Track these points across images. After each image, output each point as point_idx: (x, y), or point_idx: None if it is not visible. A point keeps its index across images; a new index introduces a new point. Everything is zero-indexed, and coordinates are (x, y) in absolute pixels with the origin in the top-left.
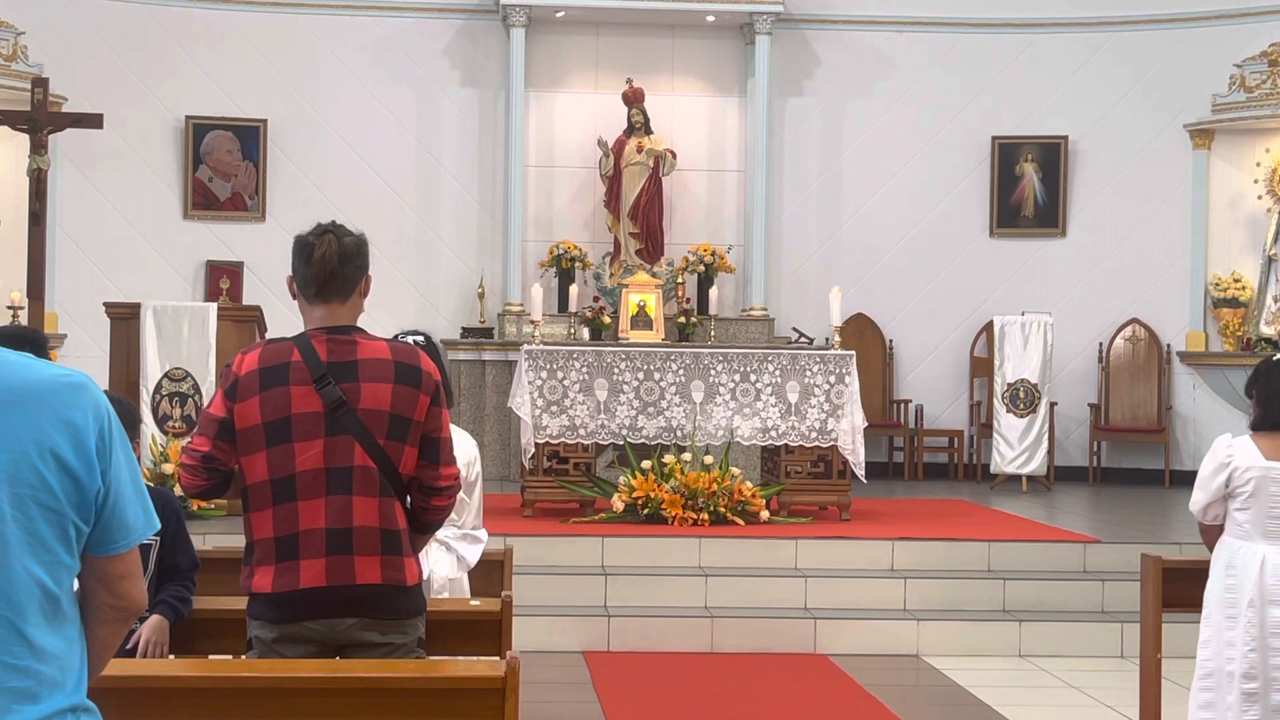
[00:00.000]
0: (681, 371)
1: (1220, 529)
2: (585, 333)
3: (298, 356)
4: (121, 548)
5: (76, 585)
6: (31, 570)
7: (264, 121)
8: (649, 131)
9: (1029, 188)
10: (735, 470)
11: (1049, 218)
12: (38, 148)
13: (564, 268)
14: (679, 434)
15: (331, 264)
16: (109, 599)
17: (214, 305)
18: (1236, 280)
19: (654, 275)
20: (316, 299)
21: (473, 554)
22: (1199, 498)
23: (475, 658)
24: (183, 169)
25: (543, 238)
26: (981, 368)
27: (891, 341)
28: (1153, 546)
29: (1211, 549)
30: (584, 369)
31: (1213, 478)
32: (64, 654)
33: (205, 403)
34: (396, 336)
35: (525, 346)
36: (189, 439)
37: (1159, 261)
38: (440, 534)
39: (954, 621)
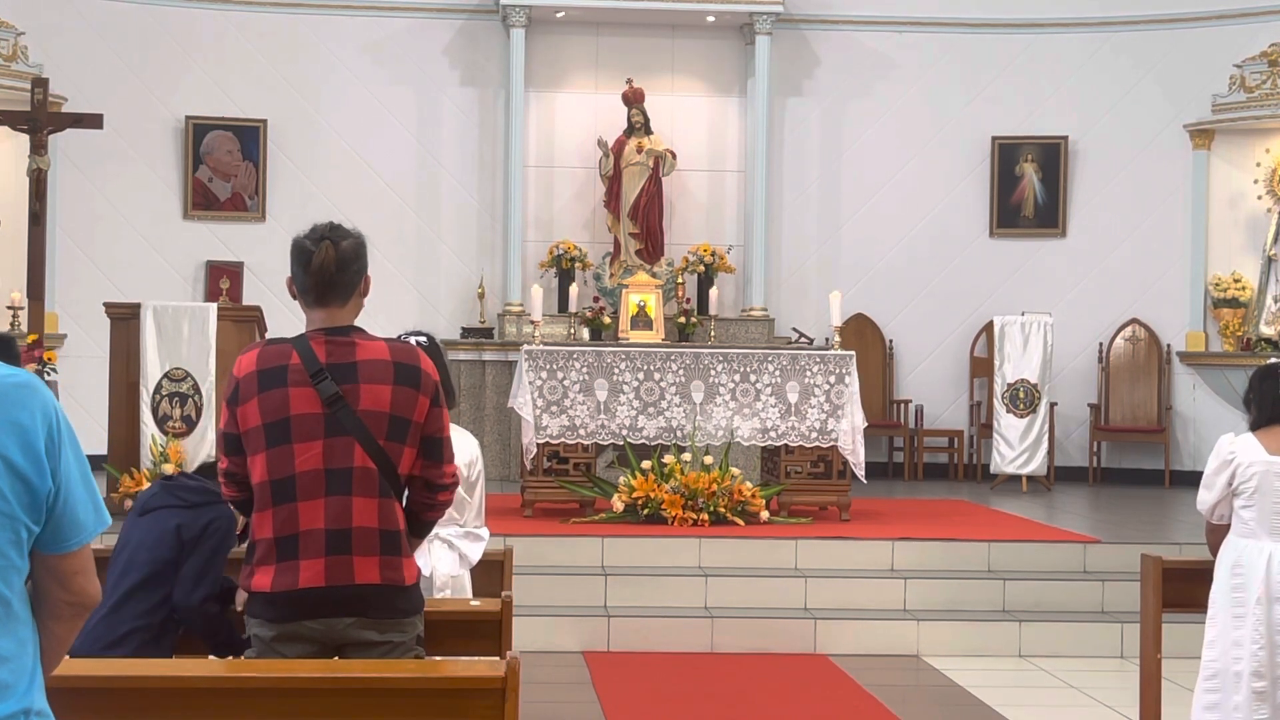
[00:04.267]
0: (681, 372)
1: (1226, 529)
2: (585, 333)
3: (296, 359)
4: (74, 545)
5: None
6: None
7: (264, 121)
8: (649, 132)
9: (1029, 188)
10: (735, 470)
11: (1049, 218)
12: (38, 148)
13: (564, 268)
14: (679, 434)
15: (330, 272)
16: (64, 595)
17: (214, 305)
18: (1236, 280)
19: (654, 275)
20: (316, 304)
21: (475, 552)
22: (1205, 496)
23: (475, 658)
24: (183, 169)
25: (543, 238)
26: (981, 368)
27: (891, 341)
28: (1153, 546)
29: (1215, 551)
30: (584, 369)
31: (1217, 475)
32: (15, 656)
33: (204, 402)
34: (400, 337)
35: (525, 346)
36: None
37: (1159, 261)
38: (443, 532)
39: (954, 621)
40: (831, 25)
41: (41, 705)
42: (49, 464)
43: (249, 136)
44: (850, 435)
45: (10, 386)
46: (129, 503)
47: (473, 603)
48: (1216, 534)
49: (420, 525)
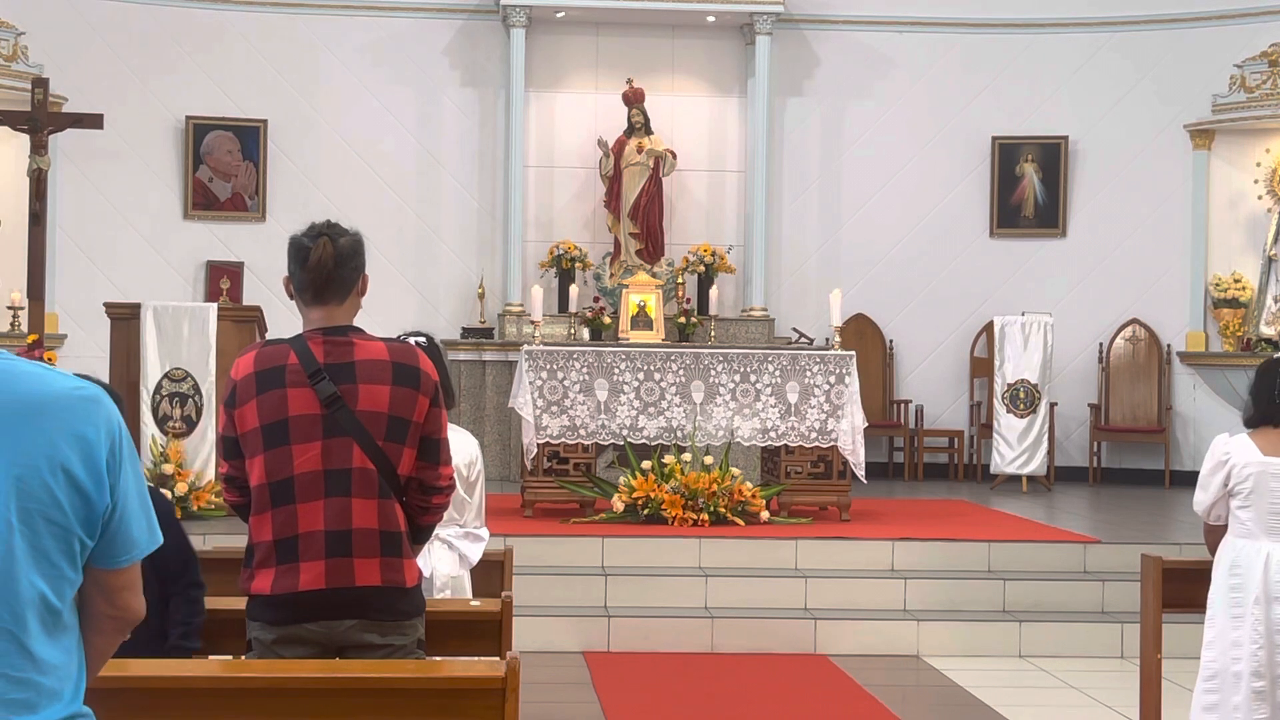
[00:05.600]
0: (681, 372)
1: (1224, 529)
2: (585, 333)
3: (294, 359)
4: (125, 562)
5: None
6: (35, 584)
7: (264, 121)
8: (649, 132)
9: (1029, 188)
10: (735, 470)
11: (1049, 218)
12: (38, 148)
13: (564, 268)
14: (679, 434)
15: (328, 268)
16: (108, 609)
17: (214, 305)
18: (1236, 280)
19: (654, 275)
20: (314, 302)
21: (475, 552)
22: (1201, 497)
23: (475, 658)
24: (183, 169)
25: (543, 238)
26: (981, 368)
27: (891, 341)
28: (1153, 546)
29: (1214, 551)
30: (584, 369)
31: (1212, 476)
32: (63, 665)
33: (204, 403)
34: (399, 338)
35: (525, 347)
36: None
37: (1159, 261)
38: (443, 532)
39: (954, 621)
40: (831, 25)
41: (86, 710)
42: (109, 480)
43: (249, 136)
44: (850, 435)
45: (77, 399)
46: None
47: (473, 603)
48: (1214, 534)
49: (416, 530)
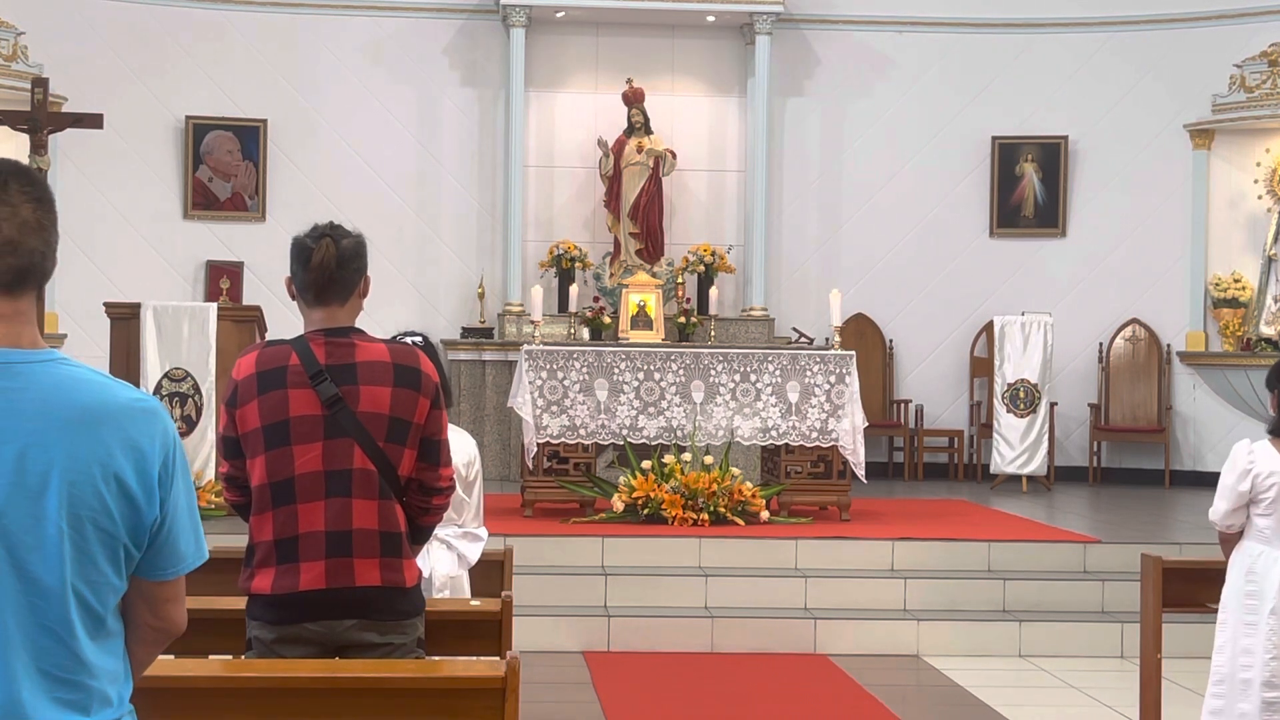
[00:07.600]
0: (681, 371)
1: (1238, 535)
2: (585, 333)
3: (295, 360)
4: (170, 575)
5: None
6: (78, 588)
7: (264, 121)
8: (649, 131)
9: (1029, 188)
10: (735, 470)
11: (1049, 218)
12: (38, 148)
13: (564, 268)
14: (679, 434)
15: (330, 269)
16: (151, 620)
17: (214, 305)
18: (1236, 280)
19: (654, 275)
20: (315, 303)
21: (473, 552)
22: (1221, 506)
23: (475, 658)
24: (183, 169)
25: (543, 238)
26: (981, 368)
27: (891, 341)
28: (1153, 546)
29: (1229, 555)
30: (584, 369)
31: (1235, 485)
32: (111, 669)
33: (204, 402)
34: (395, 337)
35: (525, 346)
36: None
37: (1159, 261)
38: (441, 532)
39: (954, 621)
40: (831, 25)
41: (129, 706)
42: (160, 493)
43: (249, 136)
44: (850, 435)
45: (137, 410)
46: None
47: (473, 603)
48: (1229, 540)
49: (416, 531)
